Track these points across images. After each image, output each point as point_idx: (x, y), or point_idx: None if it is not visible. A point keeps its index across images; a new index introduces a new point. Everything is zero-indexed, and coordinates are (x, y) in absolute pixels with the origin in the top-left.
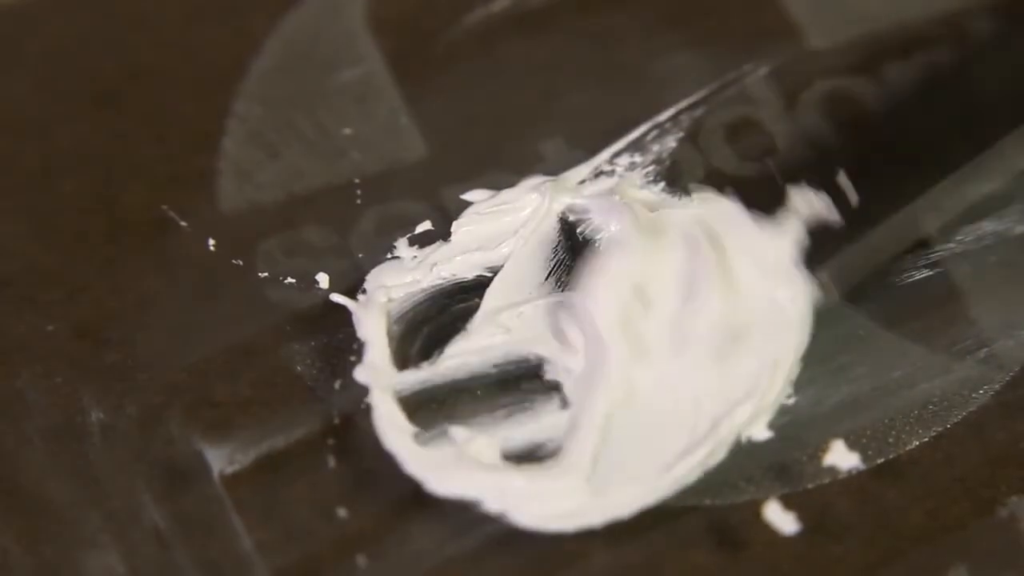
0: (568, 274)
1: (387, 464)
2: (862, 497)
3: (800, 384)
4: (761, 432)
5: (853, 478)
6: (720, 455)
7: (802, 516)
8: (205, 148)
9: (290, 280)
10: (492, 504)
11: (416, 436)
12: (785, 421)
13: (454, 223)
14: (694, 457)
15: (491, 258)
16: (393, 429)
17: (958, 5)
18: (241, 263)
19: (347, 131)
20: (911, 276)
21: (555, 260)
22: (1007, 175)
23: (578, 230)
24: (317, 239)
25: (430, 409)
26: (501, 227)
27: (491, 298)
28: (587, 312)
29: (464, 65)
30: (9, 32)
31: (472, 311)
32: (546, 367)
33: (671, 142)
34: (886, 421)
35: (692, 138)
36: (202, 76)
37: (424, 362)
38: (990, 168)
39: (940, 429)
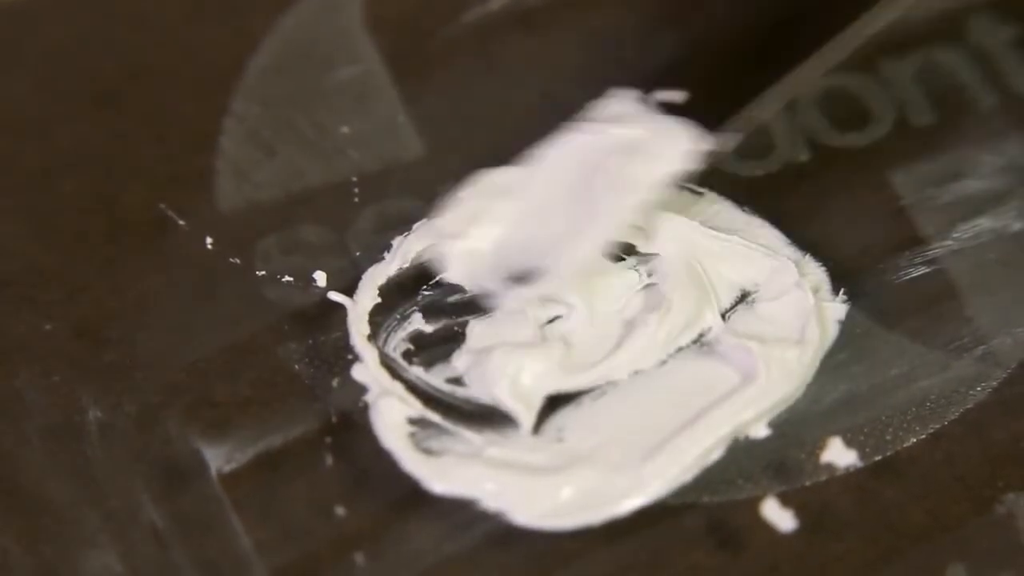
0: None
1: (385, 463)
2: (862, 496)
3: None
4: (759, 429)
5: (853, 477)
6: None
7: (802, 515)
8: (204, 147)
9: (288, 279)
10: (490, 502)
11: (413, 436)
12: (783, 418)
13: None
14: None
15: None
16: (391, 427)
17: (955, 3)
18: (239, 262)
19: (345, 130)
20: (908, 273)
21: None
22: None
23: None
24: (315, 238)
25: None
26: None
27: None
28: None
29: (462, 64)
30: (9, 32)
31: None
32: None
33: None
34: (883, 418)
35: None
36: (201, 76)
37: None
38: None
39: (937, 427)
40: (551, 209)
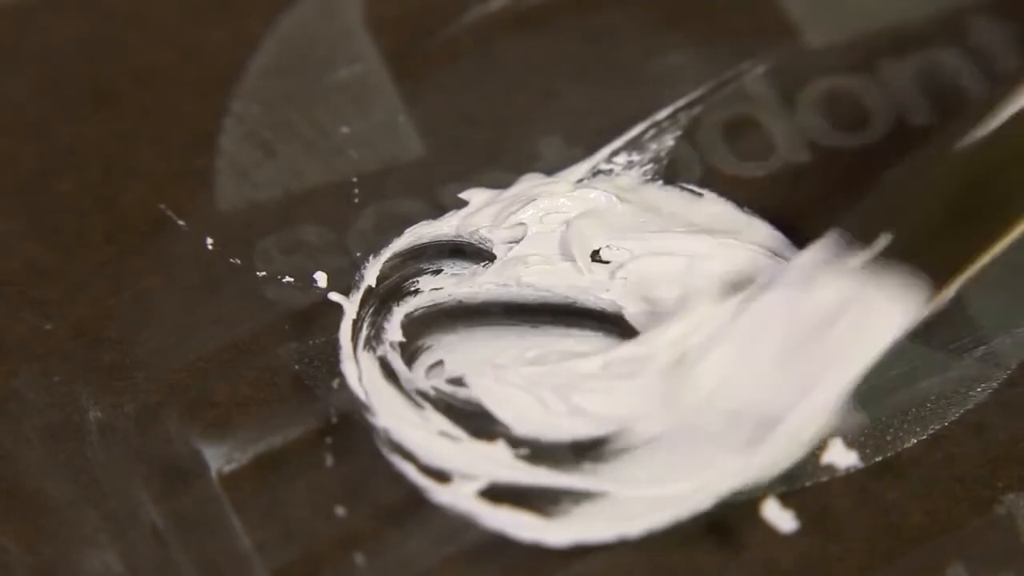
0: None
1: (385, 463)
2: (862, 497)
3: None
4: None
5: (853, 478)
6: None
7: (802, 516)
8: (203, 147)
9: (288, 279)
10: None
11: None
12: None
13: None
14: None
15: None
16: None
17: (955, 4)
18: (239, 262)
19: (345, 130)
20: None
21: None
22: None
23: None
24: (315, 238)
25: None
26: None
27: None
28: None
29: (462, 63)
30: (9, 32)
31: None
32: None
33: (669, 141)
34: (884, 419)
35: (690, 137)
36: (200, 76)
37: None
38: None
39: (937, 427)
40: (763, 363)
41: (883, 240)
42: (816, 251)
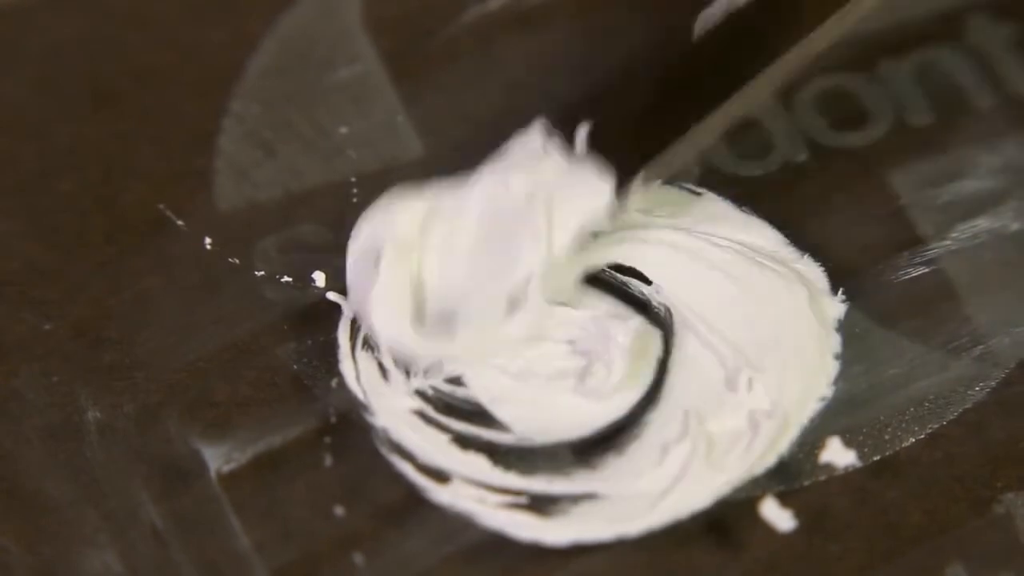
0: None
1: (384, 462)
2: (861, 496)
3: None
4: None
5: (851, 477)
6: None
7: (801, 515)
8: (203, 147)
9: (287, 279)
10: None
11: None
12: None
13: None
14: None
15: None
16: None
17: (955, 4)
18: (238, 262)
19: (344, 130)
20: (907, 273)
21: None
22: None
23: None
24: (314, 237)
25: None
26: None
27: None
28: None
29: (461, 63)
30: (9, 32)
31: None
32: None
33: None
34: (882, 418)
35: None
36: (200, 76)
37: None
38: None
39: (936, 427)
40: (466, 257)
41: (582, 129)
42: (520, 143)
